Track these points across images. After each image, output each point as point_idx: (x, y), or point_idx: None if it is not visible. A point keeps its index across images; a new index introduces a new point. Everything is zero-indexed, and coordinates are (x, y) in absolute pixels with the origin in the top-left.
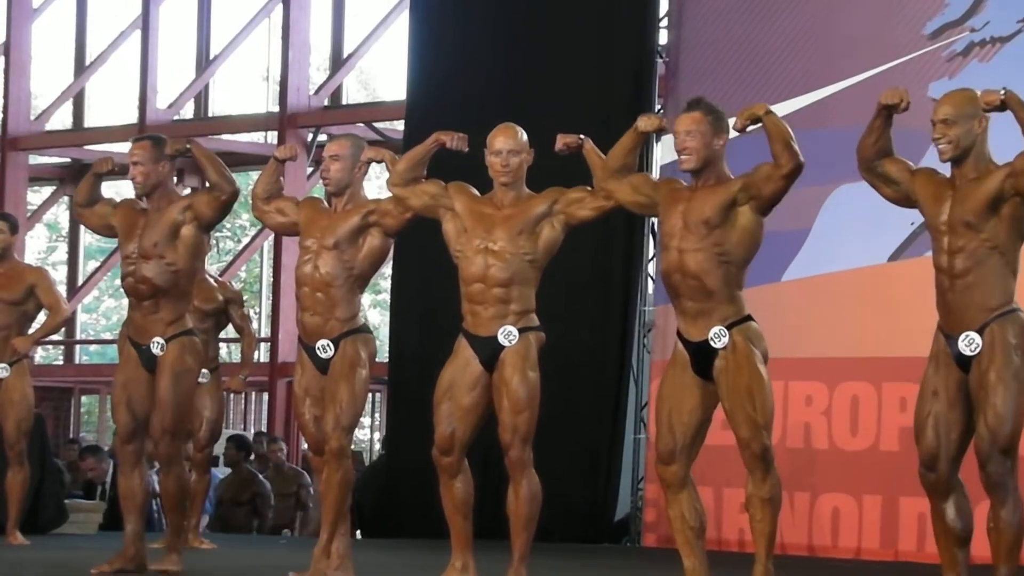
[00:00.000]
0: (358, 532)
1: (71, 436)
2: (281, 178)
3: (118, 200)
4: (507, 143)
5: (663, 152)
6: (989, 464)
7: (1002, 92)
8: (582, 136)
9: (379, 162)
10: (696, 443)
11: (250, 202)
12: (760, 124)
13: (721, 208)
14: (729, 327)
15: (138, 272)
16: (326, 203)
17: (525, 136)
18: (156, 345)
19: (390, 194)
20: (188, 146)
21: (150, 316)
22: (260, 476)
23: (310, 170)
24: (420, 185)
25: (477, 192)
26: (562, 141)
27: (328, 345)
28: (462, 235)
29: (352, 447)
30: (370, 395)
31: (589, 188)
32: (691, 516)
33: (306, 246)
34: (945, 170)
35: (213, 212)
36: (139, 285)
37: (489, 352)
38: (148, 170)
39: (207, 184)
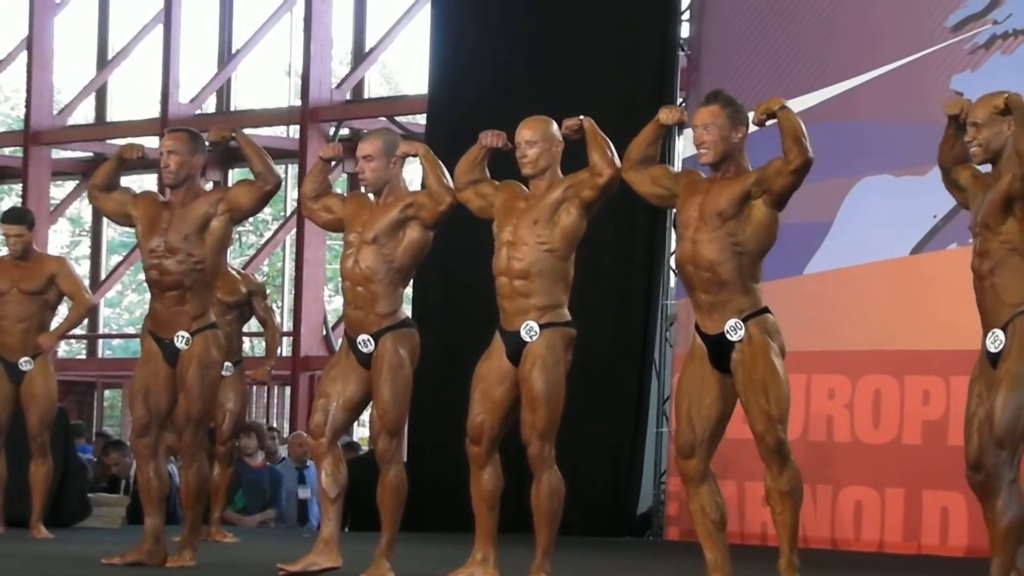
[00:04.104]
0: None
1: (101, 429)
2: (329, 176)
3: (137, 191)
4: (525, 134)
5: (685, 145)
6: (985, 456)
7: (1005, 95)
8: (582, 117)
9: (413, 156)
10: (716, 437)
11: (275, 197)
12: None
13: (736, 201)
14: (745, 319)
15: (163, 267)
16: (371, 197)
17: (552, 127)
18: (181, 339)
19: (426, 188)
20: (233, 134)
21: (174, 309)
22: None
23: (333, 165)
24: (477, 187)
25: (525, 188)
26: (564, 125)
27: (368, 340)
28: (502, 221)
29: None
30: None
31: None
32: (712, 509)
33: (348, 241)
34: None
35: (253, 203)
36: (164, 278)
37: (515, 347)
38: (183, 160)
39: (253, 174)
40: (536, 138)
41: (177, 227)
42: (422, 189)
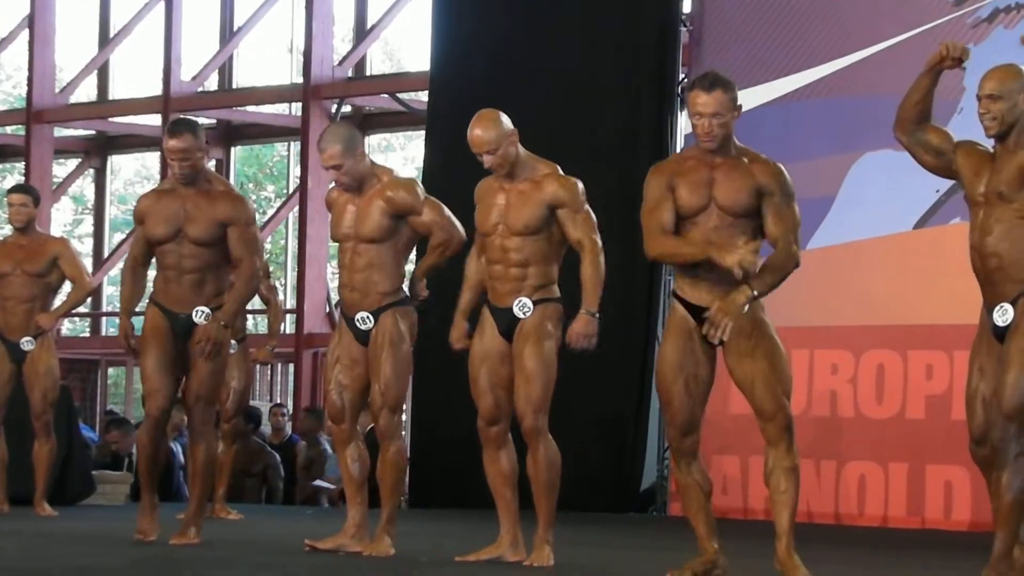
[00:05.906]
0: None
1: (108, 408)
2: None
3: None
4: (479, 146)
5: (687, 121)
6: (992, 430)
7: None
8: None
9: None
10: (703, 409)
11: (278, 175)
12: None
13: (748, 195)
14: None
15: (185, 250)
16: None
17: (501, 122)
18: (200, 314)
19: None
20: None
21: (194, 289)
22: (268, 448)
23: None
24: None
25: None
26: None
27: (368, 317)
28: (484, 218)
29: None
30: None
31: (577, 206)
32: (704, 482)
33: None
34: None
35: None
36: (184, 261)
37: (506, 323)
38: (193, 162)
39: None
40: (493, 145)
41: (195, 223)
42: (401, 179)
